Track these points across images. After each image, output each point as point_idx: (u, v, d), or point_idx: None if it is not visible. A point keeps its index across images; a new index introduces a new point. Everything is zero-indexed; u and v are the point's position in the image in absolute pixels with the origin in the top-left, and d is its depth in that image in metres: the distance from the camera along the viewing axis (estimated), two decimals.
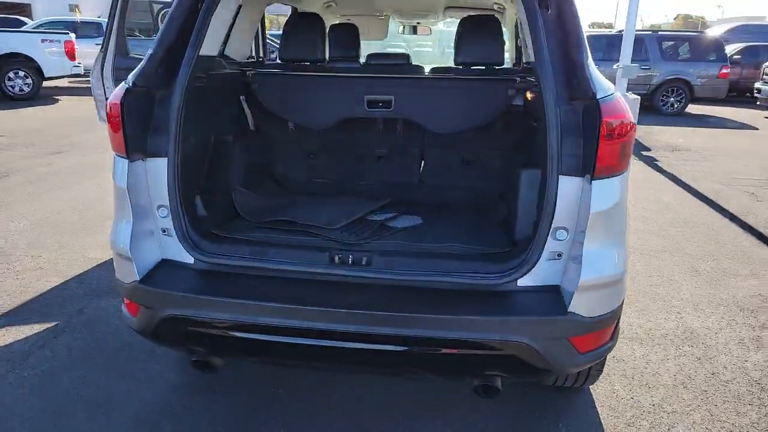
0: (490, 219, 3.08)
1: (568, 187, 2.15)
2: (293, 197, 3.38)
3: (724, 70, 14.12)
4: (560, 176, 2.15)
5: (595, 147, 2.05)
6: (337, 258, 2.37)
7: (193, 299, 2.25)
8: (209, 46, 2.56)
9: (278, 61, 3.47)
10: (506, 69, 3.37)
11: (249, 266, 2.38)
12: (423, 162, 3.59)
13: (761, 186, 7.57)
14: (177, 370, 3.15)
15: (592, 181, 2.07)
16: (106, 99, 4.24)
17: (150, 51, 2.42)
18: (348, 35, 4.00)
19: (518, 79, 3.07)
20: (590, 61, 2.16)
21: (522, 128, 3.27)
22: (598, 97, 2.06)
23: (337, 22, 4.94)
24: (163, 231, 2.45)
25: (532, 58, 2.39)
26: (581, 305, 2.12)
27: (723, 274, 4.64)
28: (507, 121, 3.31)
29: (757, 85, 15.01)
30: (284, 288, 2.29)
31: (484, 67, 3.19)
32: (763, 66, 15.14)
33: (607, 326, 2.24)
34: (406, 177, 3.61)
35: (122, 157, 2.37)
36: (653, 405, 2.97)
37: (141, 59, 2.48)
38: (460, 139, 3.37)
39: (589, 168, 2.09)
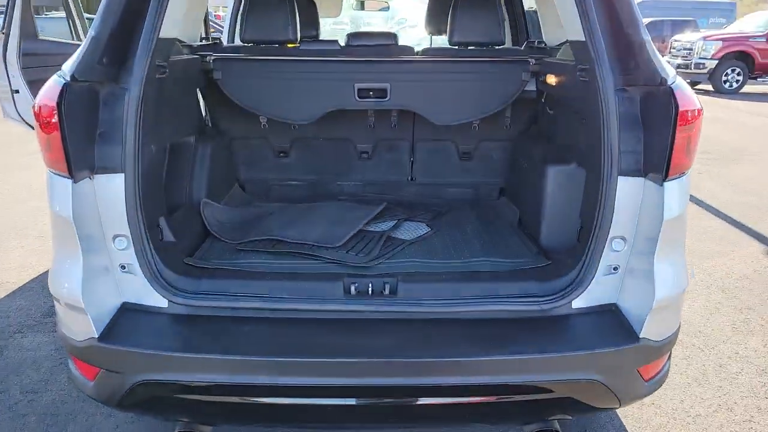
0: (501, 221, 2.75)
1: (627, 189, 1.85)
2: (268, 206, 2.88)
3: None
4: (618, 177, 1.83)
5: (669, 143, 1.74)
6: (353, 288, 1.94)
7: (175, 359, 1.75)
8: (168, 26, 2.00)
9: (239, 42, 2.90)
10: (511, 49, 3.02)
11: (244, 307, 1.89)
12: (413, 157, 3.18)
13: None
14: (138, 425, 2.59)
15: (665, 183, 1.77)
16: (12, 90, 3.48)
17: (91, 33, 1.83)
18: (307, 12, 3.48)
19: (533, 60, 2.72)
20: (650, 38, 1.84)
21: (531, 116, 2.95)
22: (670, 83, 1.74)
23: None
24: (122, 267, 1.91)
25: (574, 36, 2.04)
26: (653, 329, 1.83)
27: (694, 255, 4.62)
28: (513, 108, 2.97)
29: (665, 58, 15.77)
30: (292, 334, 1.84)
31: (483, 48, 2.80)
32: (670, 40, 15.90)
33: (671, 348, 1.97)
34: (395, 174, 3.20)
35: (63, 176, 1.79)
36: (675, 409, 2.80)
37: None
38: (456, 129, 3.00)
39: (657, 167, 1.78)
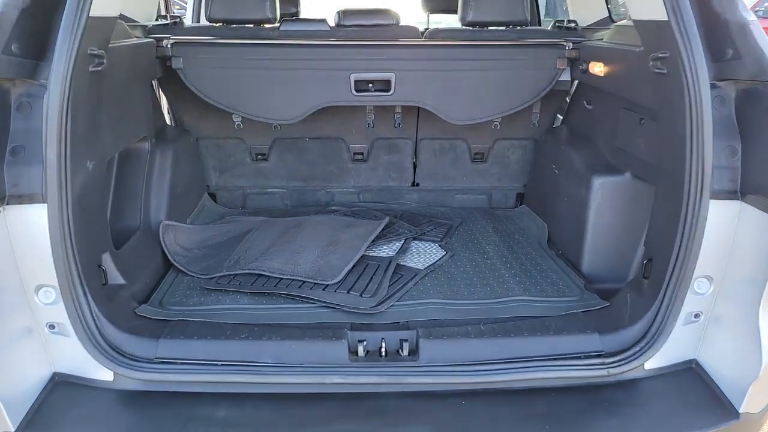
0: (526, 239, 2.30)
1: (717, 215, 1.44)
2: (245, 221, 2.38)
3: None
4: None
5: None
6: (361, 348, 1.49)
7: None
8: (104, 1, 1.47)
9: (205, 22, 2.36)
10: (540, 30, 2.53)
11: (216, 381, 1.43)
12: (416, 158, 2.69)
13: None
14: None
15: None
16: None
17: None
18: None
19: (569, 44, 2.24)
20: (754, 18, 1.39)
21: (557, 110, 2.50)
22: None
23: None
24: (51, 327, 1.48)
25: (643, 15, 1.57)
26: (754, 399, 1.42)
27: None
28: (543, 102, 2.50)
29: None
30: (283, 421, 1.39)
31: (504, 29, 2.31)
32: None
33: None
34: (395, 179, 2.71)
35: None
36: None
37: None
38: (469, 126, 2.50)
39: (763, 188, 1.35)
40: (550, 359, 1.48)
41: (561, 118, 2.70)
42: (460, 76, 2.24)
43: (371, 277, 1.89)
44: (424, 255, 2.13)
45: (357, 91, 2.22)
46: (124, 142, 1.85)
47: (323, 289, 1.80)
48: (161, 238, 2.01)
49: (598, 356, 1.50)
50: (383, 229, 2.26)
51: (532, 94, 2.29)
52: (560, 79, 2.29)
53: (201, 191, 2.59)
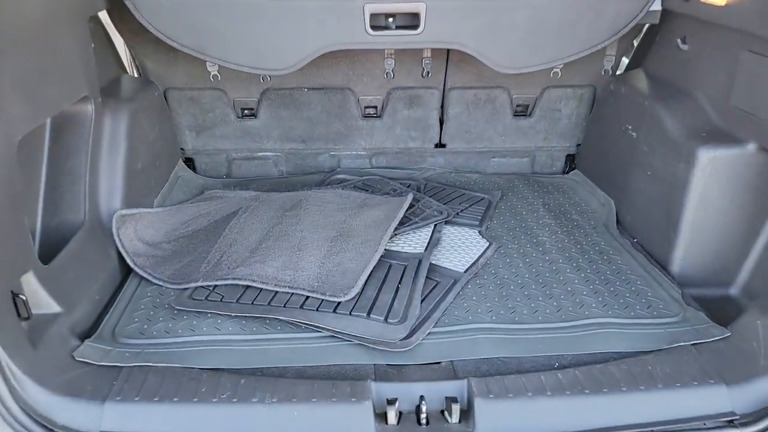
0: (588, 220, 1.81)
1: None
2: (230, 197, 1.88)
3: None
4: None
5: None
6: (392, 413, 1.08)
7: None
8: None
9: None
10: None
11: None
12: (444, 114, 2.15)
13: None
14: None
15: None
16: None
17: None
18: None
19: None
20: None
21: (623, 49, 1.95)
22: None
23: None
24: None
25: None
26: None
27: None
28: (620, 42, 1.94)
29: None
30: None
31: None
32: None
33: None
34: (416, 140, 2.18)
35: None
36: None
37: None
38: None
39: None
40: (663, 428, 1.04)
41: (626, 61, 2.15)
42: (511, 6, 1.66)
43: (396, 289, 1.42)
44: (461, 249, 1.64)
45: (373, 28, 1.65)
46: (48, 110, 1.32)
47: (333, 310, 1.34)
48: (115, 235, 1.52)
49: (731, 424, 1.06)
50: (406, 210, 1.77)
51: (610, 31, 1.71)
52: (651, 9, 1.71)
53: (174, 159, 2.07)
